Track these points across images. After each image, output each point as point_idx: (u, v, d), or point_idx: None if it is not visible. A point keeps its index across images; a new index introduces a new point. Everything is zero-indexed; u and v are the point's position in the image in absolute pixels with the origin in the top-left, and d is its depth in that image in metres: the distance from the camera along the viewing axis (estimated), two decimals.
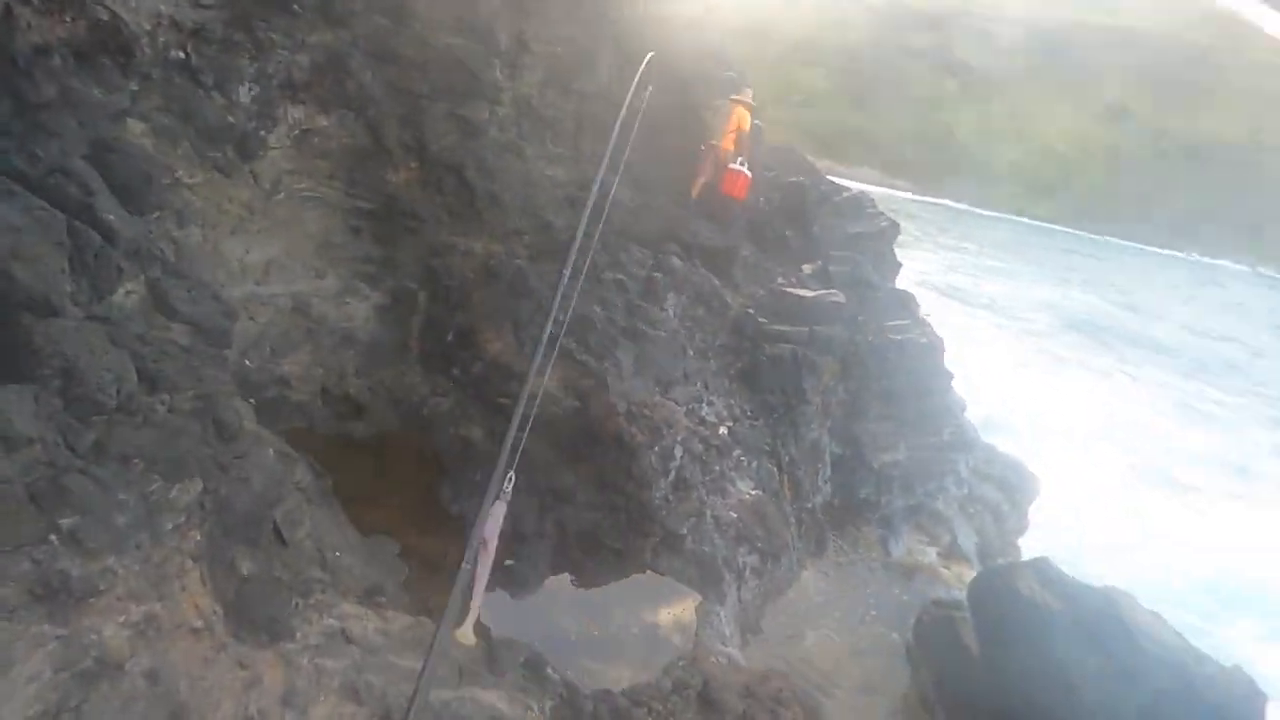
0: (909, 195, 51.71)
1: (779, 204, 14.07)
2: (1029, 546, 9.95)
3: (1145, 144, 66.65)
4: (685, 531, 6.93)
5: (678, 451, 7.37)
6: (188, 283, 5.82)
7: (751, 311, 9.95)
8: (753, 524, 7.32)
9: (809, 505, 8.58)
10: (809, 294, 10.19)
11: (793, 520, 8.09)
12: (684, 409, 7.95)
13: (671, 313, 9.14)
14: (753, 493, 7.66)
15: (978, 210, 56.17)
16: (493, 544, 2.83)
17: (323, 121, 9.71)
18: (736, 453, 7.95)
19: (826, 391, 9.93)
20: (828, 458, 9.71)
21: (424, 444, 7.64)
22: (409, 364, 8.46)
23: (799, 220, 13.68)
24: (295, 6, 8.59)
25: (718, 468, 7.60)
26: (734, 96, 10.80)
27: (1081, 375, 21.41)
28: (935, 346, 10.83)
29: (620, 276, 8.95)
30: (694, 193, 10.75)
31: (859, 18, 64.81)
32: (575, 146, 12.46)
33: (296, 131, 9.41)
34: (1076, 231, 60.05)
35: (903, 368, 10.56)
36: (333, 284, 9.09)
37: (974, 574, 8.61)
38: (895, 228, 13.80)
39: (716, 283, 10.25)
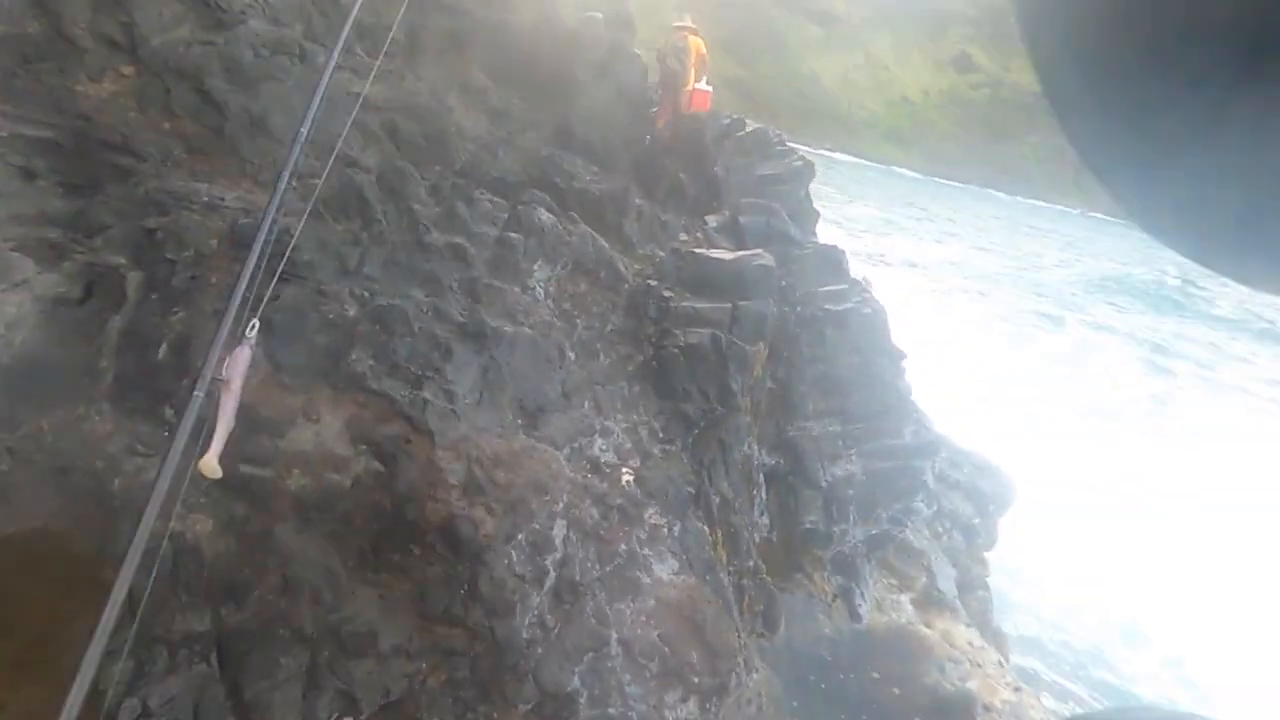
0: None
1: (669, 142, 10.91)
2: (1000, 566, 7.66)
3: (987, 94, 68.26)
4: (577, 684, 3.84)
5: (558, 533, 4.21)
6: None
7: (654, 283, 6.82)
8: (685, 641, 4.32)
9: (750, 563, 5.71)
10: (729, 256, 7.17)
11: (733, 597, 5.18)
12: (565, 450, 4.77)
13: (541, 292, 5.85)
14: (679, 579, 4.65)
15: (845, 158, 55.32)
16: (237, 384, 2.67)
17: None
18: (651, 512, 4.88)
19: (755, 386, 7.06)
20: (761, 477, 6.90)
21: (103, 547, 4.05)
22: (94, 401, 4.71)
23: (697, 161, 10.57)
24: None
25: (624, 546, 4.51)
26: (679, 25, 9.68)
27: (1012, 335, 19.64)
28: (880, 318, 8.17)
29: (458, 240, 5.51)
30: (659, 124, 10.04)
31: None
32: (411, 68, 8.73)
33: None
34: (931, 179, 60.79)
35: (844, 347, 7.83)
36: None
37: (963, 629, 6.14)
38: (810, 168, 10.96)
39: (603, 243, 7.01)
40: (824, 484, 6.97)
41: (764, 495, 6.94)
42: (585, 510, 4.51)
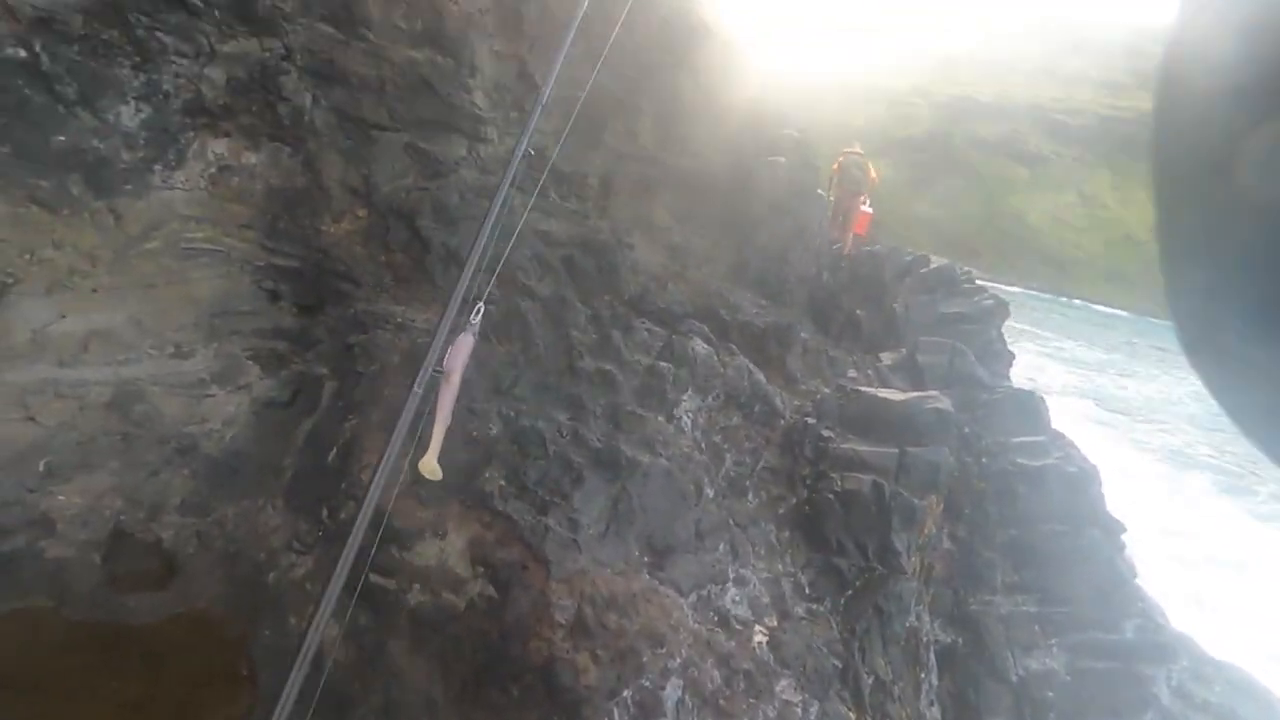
0: (981, 281, 46.91)
1: (848, 278, 10.62)
2: None
3: None
4: None
5: (670, 694, 3.72)
6: None
7: (811, 421, 6.34)
8: None
9: None
10: (898, 396, 6.53)
11: None
12: (691, 597, 4.32)
13: (688, 423, 5.64)
14: None
15: (1053, 297, 50.83)
16: (456, 377, 2.50)
17: (250, 158, 6.99)
18: (784, 685, 4.20)
19: (926, 546, 6.12)
20: (932, 657, 5.81)
21: (248, 642, 4.23)
22: (272, 496, 5.17)
23: (875, 296, 10.14)
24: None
25: None
26: (849, 150, 10.42)
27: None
28: (1088, 479, 6.88)
29: (608, 366, 5.55)
30: (846, 250, 10.23)
31: (924, 112, 62.01)
32: (600, 207, 9.48)
33: (213, 169, 6.68)
34: (1155, 320, 53.60)
35: (1042, 510, 6.64)
36: (202, 365, 6.02)
37: None
38: (1003, 308, 10.04)
39: (761, 377, 6.72)
40: (1014, 678, 5.69)
41: (934, 680, 5.81)
42: (705, 671, 3.98)
